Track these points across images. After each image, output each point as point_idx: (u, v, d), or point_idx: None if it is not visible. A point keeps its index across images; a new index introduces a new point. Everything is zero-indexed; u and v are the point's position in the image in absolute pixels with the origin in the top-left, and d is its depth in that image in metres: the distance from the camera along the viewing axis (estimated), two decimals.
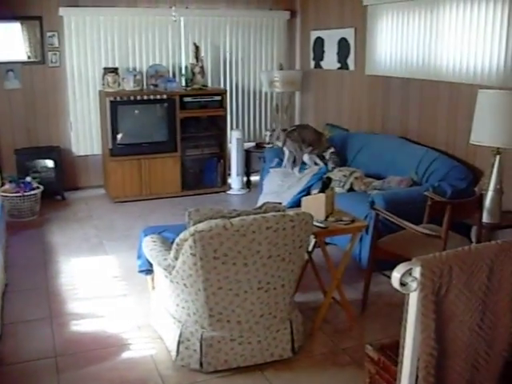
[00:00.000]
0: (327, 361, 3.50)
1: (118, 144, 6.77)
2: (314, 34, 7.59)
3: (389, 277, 4.05)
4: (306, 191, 5.60)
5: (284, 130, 6.33)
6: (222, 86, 7.79)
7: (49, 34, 6.89)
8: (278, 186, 5.96)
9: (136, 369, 3.40)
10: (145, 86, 7.18)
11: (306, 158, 6.18)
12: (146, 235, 3.97)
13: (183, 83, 7.37)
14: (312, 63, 7.72)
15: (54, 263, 5.04)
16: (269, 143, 6.34)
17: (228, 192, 7.37)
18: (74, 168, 7.33)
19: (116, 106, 6.69)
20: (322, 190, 3.94)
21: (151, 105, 6.99)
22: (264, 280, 3.17)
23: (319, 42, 7.48)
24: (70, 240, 5.59)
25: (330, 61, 7.27)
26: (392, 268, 4.28)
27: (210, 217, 3.10)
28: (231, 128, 7.73)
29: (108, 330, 3.85)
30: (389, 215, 3.90)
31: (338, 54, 7.09)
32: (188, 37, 7.48)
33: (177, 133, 6.98)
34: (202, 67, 7.28)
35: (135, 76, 6.93)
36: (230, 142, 7.44)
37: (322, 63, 7.48)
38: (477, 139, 4.36)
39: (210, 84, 7.63)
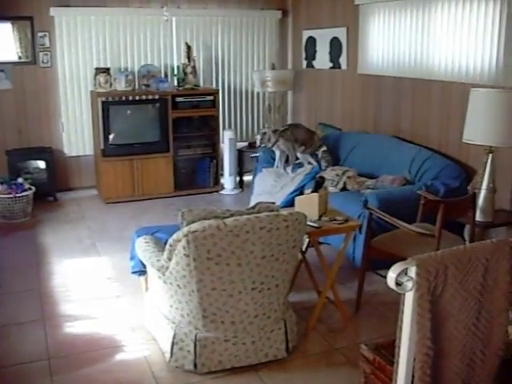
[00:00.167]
0: (322, 361, 3.50)
1: (110, 144, 6.74)
2: (306, 34, 7.58)
3: (383, 276, 4.06)
4: (299, 191, 5.59)
5: (275, 131, 6.31)
6: (214, 85, 7.77)
7: (40, 34, 6.86)
8: (272, 186, 5.95)
9: (130, 370, 3.39)
10: (137, 86, 7.15)
11: (300, 156, 6.18)
12: (138, 236, 3.95)
13: (175, 83, 7.35)
14: (304, 63, 7.72)
15: (46, 265, 5.01)
16: (260, 146, 6.31)
17: (221, 192, 7.36)
18: (65, 169, 7.30)
19: (108, 107, 6.66)
20: (315, 190, 3.94)
21: (143, 105, 6.97)
22: (258, 280, 3.16)
23: (311, 41, 7.47)
24: (63, 241, 5.56)
25: (322, 60, 7.27)
26: (386, 267, 4.27)
27: (204, 217, 3.09)
28: (223, 128, 7.71)
29: (101, 332, 3.83)
30: (382, 214, 3.90)
31: (330, 53, 7.09)
32: (180, 37, 7.46)
33: (169, 133, 6.96)
34: (193, 67, 7.27)
35: (127, 76, 6.90)
36: (223, 142, 7.43)
37: (314, 63, 7.48)
38: (469, 138, 4.37)
39: (202, 84, 7.61)
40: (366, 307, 4.16)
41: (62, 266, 4.98)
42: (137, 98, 6.94)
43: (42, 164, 6.94)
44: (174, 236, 3.07)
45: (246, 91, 8.05)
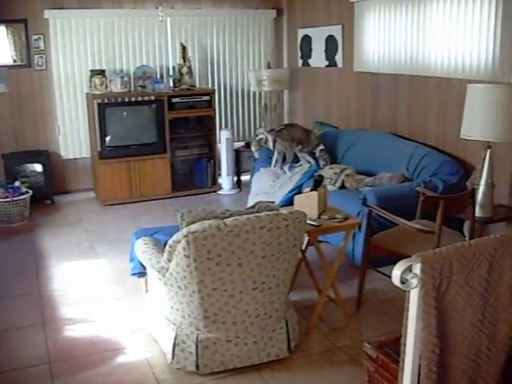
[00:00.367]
0: (324, 359, 3.48)
1: (107, 146, 6.72)
2: (302, 32, 7.57)
3: (383, 273, 4.06)
4: (298, 190, 5.57)
5: (271, 130, 6.30)
6: (209, 85, 7.76)
7: (34, 36, 6.83)
8: (270, 185, 5.93)
9: (131, 373, 3.37)
10: (132, 88, 7.13)
11: (298, 155, 6.17)
12: (137, 238, 3.93)
13: (171, 84, 7.33)
14: (300, 61, 7.71)
15: (45, 268, 4.98)
16: (256, 151, 6.30)
17: (219, 192, 7.34)
18: (62, 172, 7.27)
19: (104, 109, 6.64)
20: (314, 188, 3.93)
21: (139, 106, 6.95)
22: (259, 280, 3.14)
23: (307, 39, 7.46)
24: (61, 244, 5.54)
25: (318, 58, 7.26)
26: (386, 265, 4.29)
27: (203, 217, 3.08)
28: (220, 128, 7.70)
29: (102, 335, 3.81)
30: (382, 212, 3.89)
31: (325, 51, 7.08)
32: (175, 37, 7.45)
33: (166, 134, 6.95)
34: (189, 67, 7.25)
35: (122, 78, 6.88)
36: (220, 142, 7.42)
37: (310, 61, 7.47)
38: (467, 134, 4.36)
39: (197, 84, 7.59)
40: (366, 305, 4.15)
41: (60, 269, 4.96)
42: (133, 99, 6.92)
43: (38, 167, 6.92)
44: (174, 237, 3.05)
45: (242, 91, 8.03)
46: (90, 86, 6.88)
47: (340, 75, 6.92)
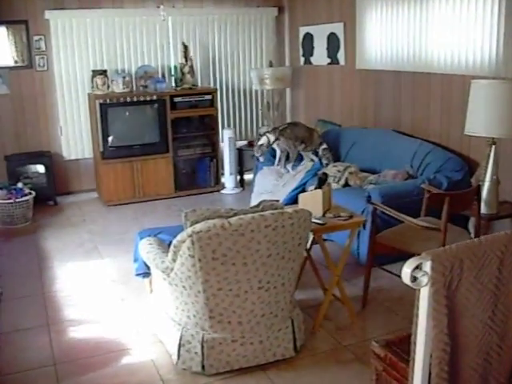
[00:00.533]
0: (330, 358, 3.46)
1: (109, 147, 6.71)
2: (303, 30, 7.55)
3: (388, 271, 4.04)
4: (301, 188, 5.56)
5: (274, 129, 6.28)
6: (212, 85, 7.74)
7: (35, 37, 6.81)
8: (273, 185, 5.91)
9: (137, 374, 3.35)
10: (134, 88, 7.11)
11: (302, 154, 6.15)
12: (141, 238, 3.92)
13: (173, 83, 7.31)
14: (302, 59, 7.69)
15: (48, 269, 4.97)
16: (261, 155, 6.28)
17: (222, 191, 7.33)
18: (65, 172, 7.26)
19: (106, 109, 6.62)
20: (318, 186, 3.91)
21: (141, 106, 6.93)
22: (264, 279, 3.12)
23: (308, 37, 7.44)
24: (65, 245, 5.53)
25: (320, 56, 7.23)
26: (391, 262, 4.27)
27: (208, 217, 3.06)
28: (223, 127, 7.68)
29: (107, 336, 3.80)
30: (387, 209, 3.87)
31: (327, 49, 7.06)
32: (176, 36, 7.43)
33: (168, 133, 6.93)
34: (191, 67, 7.23)
35: (124, 78, 6.86)
36: (222, 141, 7.40)
37: (312, 59, 7.44)
38: (471, 130, 4.34)
39: (199, 83, 7.57)
40: (372, 303, 4.13)
41: (64, 270, 4.95)
42: (135, 99, 6.90)
43: (41, 168, 6.90)
44: (178, 237, 3.04)
45: (244, 89, 8.01)
46: (92, 87, 6.87)
47: (342, 73, 6.90)
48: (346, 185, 5.39)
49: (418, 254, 3.78)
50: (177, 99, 6.95)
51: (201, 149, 7.31)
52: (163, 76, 7.39)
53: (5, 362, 3.50)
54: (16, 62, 6.80)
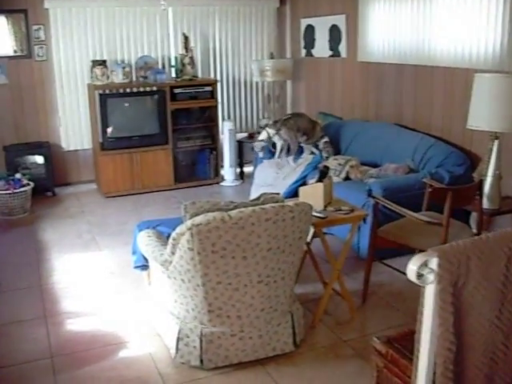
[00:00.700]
0: (330, 353, 3.43)
1: (109, 138, 6.66)
2: (305, 22, 7.48)
3: (388, 266, 4.00)
4: (301, 181, 5.52)
5: (275, 123, 6.24)
6: (212, 76, 7.68)
7: (35, 27, 6.75)
8: (273, 178, 5.87)
9: (135, 367, 3.32)
10: (134, 78, 7.06)
11: (303, 146, 6.11)
12: (140, 230, 3.88)
13: (173, 74, 7.26)
14: (303, 51, 7.63)
15: (46, 261, 4.93)
16: (260, 151, 6.25)
17: (221, 184, 7.28)
18: (64, 163, 7.22)
19: (105, 99, 6.57)
20: (319, 180, 3.87)
21: (141, 97, 6.88)
22: (264, 273, 3.08)
23: (310, 29, 7.38)
24: (63, 237, 5.49)
25: (322, 48, 7.18)
26: (391, 257, 4.24)
27: (207, 210, 3.02)
28: (223, 119, 7.63)
29: (104, 329, 3.76)
30: (388, 203, 3.83)
31: (329, 41, 7.00)
32: (177, 27, 7.36)
33: (168, 125, 6.88)
34: (191, 58, 7.17)
35: (124, 68, 6.80)
36: (222, 133, 7.35)
37: (313, 51, 7.39)
38: (474, 124, 4.30)
39: (200, 75, 7.52)
40: (372, 298, 4.10)
41: (62, 262, 4.91)
42: (134, 90, 6.85)
43: (39, 159, 6.86)
44: (178, 229, 3.00)
45: (245, 81, 7.96)
46: (92, 77, 6.81)
47: (344, 65, 6.85)
48: (347, 178, 5.35)
49: (420, 250, 3.75)
50: (177, 90, 6.89)
51: (201, 141, 7.27)
52: (163, 67, 7.33)
53: (1, 355, 3.46)
54: (15, 51, 6.74)
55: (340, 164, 5.43)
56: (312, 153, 6.03)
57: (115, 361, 3.41)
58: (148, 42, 7.28)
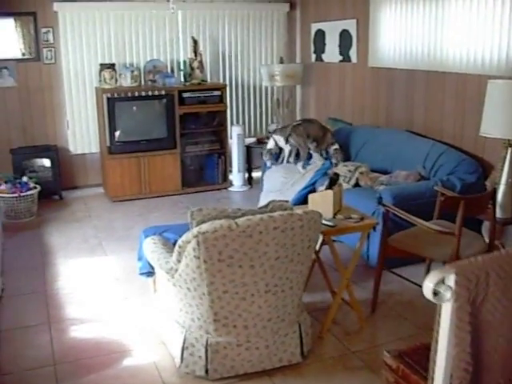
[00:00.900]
0: (338, 365, 3.36)
1: (116, 142, 6.61)
2: (315, 27, 7.42)
3: (398, 275, 3.92)
4: (310, 187, 5.45)
5: (282, 129, 6.19)
6: (221, 80, 7.63)
7: (43, 30, 6.72)
8: (281, 183, 5.80)
9: (139, 376, 3.26)
10: (143, 82, 7.02)
11: (312, 153, 6.03)
12: (146, 236, 3.83)
13: (182, 78, 7.21)
14: (313, 56, 7.56)
15: (52, 266, 4.88)
16: (269, 159, 6.22)
17: (229, 189, 7.22)
18: (71, 167, 7.18)
19: (113, 103, 6.53)
20: (329, 187, 3.79)
21: (149, 101, 6.84)
22: (272, 282, 3.01)
23: (320, 34, 7.32)
24: (69, 241, 5.44)
25: (332, 53, 7.11)
26: (400, 265, 4.17)
27: (214, 217, 2.95)
28: (231, 123, 7.58)
29: (109, 336, 3.70)
30: (399, 212, 3.76)
31: (339, 46, 6.93)
32: (186, 31, 7.32)
33: (176, 129, 6.83)
34: (200, 62, 7.13)
35: (132, 72, 6.76)
36: (231, 138, 7.29)
37: (324, 56, 7.32)
38: (487, 131, 4.22)
39: (209, 79, 7.47)
40: (382, 308, 4.02)
41: (67, 267, 4.86)
42: (143, 93, 6.82)
43: (47, 162, 6.83)
44: (184, 237, 2.93)
45: (254, 86, 7.90)
46: (100, 80, 6.77)
47: (354, 70, 6.78)
48: (357, 185, 5.28)
49: (432, 259, 3.66)
50: (185, 94, 6.84)
51: (209, 145, 7.22)
52: (172, 71, 7.29)
53: (4, 361, 3.41)
54: (23, 54, 6.71)
55: (350, 170, 5.36)
56: (323, 158, 5.95)
57: (119, 369, 3.35)
58: (157, 45, 7.24)
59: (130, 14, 7.04)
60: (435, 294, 1.39)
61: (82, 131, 7.14)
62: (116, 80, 6.74)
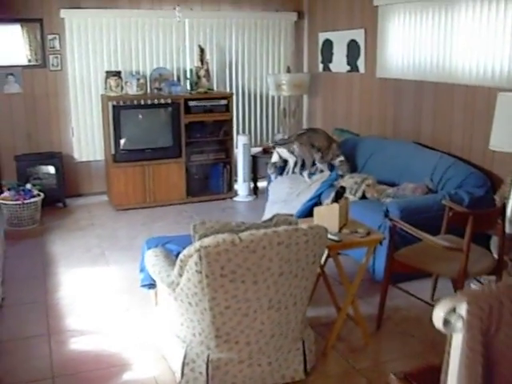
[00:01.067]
0: (342, 382, 3.28)
1: (121, 150, 6.57)
2: (323, 36, 7.38)
3: (404, 291, 3.84)
4: (316, 199, 5.39)
5: (285, 141, 6.13)
6: (227, 89, 7.59)
7: (50, 36, 6.70)
8: (287, 193, 5.74)
9: None
10: (148, 90, 6.98)
11: (317, 164, 5.97)
12: (149, 247, 3.77)
13: (188, 87, 7.17)
14: (320, 66, 7.51)
15: (53, 275, 4.83)
16: (273, 172, 6.18)
17: (234, 199, 7.16)
18: (75, 174, 7.14)
19: (119, 111, 6.49)
20: (335, 200, 3.72)
21: (155, 109, 6.80)
22: (275, 298, 2.95)
23: (328, 44, 7.27)
24: (71, 250, 5.39)
25: (339, 63, 7.06)
26: (405, 280, 4.09)
27: (217, 230, 2.89)
28: (237, 133, 7.52)
29: (109, 349, 3.64)
30: (406, 226, 3.68)
31: (347, 56, 6.88)
32: (193, 39, 7.29)
33: (181, 138, 6.78)
34: (207, 70, 7.08)
35: (138, 80, 6.72)
36: (237, 147, 7.24)
37: (331, 66, 7.27)
38: (497, 145, 4.15)
39: (215, 87, 7.42)
40: (387, 323, 3.93)
41: (69, 277, 4.80)
42: (148, 101, 6.77)
43: (51, 169, 6.79)
44: (186, 251, 2.87)
45: (261, 95, 7.85)
46: (105, 88, 6.74)
47: (362, 81, 6.72)
48: (363, 197, 5.21)
49: (438, 275, 3.57)
50: (191, 103, 6.80)
51: (214, 154, 7.16)
52: (178, 79, 7.25)
53: (3, 372, 3.35)
54: (29, 60, 6.69)
55: (356, 182, 5.29)
56: (321, 171, 5.88)
57: (119, 383, 3.28)
58: (163, 53, 7.21)
59: (137, 21, 7.02)
60: (446, 322, 1.32)
61: (86, 139, 7.10)
62: (122, 88, 6.70)
